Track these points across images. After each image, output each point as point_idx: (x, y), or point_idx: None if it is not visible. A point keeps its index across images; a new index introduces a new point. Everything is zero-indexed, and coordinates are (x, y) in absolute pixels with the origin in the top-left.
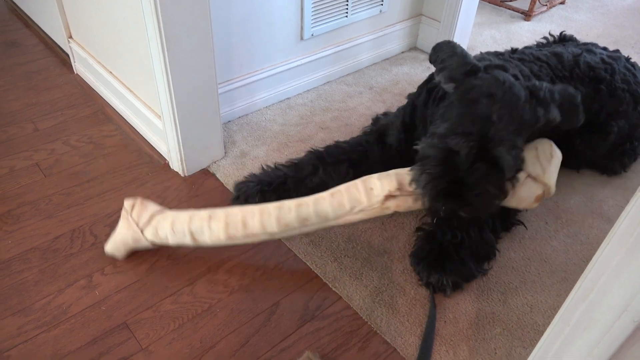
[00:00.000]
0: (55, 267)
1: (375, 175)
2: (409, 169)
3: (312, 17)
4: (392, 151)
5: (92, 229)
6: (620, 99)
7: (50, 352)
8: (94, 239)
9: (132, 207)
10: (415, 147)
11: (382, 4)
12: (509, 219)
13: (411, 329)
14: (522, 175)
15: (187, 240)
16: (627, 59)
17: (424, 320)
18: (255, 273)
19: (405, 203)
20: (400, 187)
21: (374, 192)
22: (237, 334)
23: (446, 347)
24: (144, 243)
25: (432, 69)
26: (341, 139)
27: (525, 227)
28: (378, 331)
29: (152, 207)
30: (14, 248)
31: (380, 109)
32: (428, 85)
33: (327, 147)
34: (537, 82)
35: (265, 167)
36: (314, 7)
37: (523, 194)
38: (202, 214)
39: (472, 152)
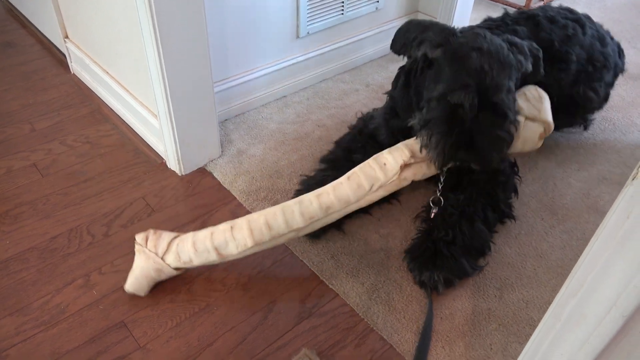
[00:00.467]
0: (53, 266)
1: (384, 151)
2: (414, 138)
3: (308, 15)
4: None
5: (89, 228)
6: (563, 24)
7: (48, 351)
8: (91, 239)
9: (146, 239)
10: (409, 124)
11: (377, 1)
12: (500, 207)
13: (407, 326)
14: (521, 119)
15: (212, 257)
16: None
17: (420, 316)
18: (252, 271)
19: (421, 170)
20: (412, 155)
21: (388, 167)
22: (234, 332)
23: (442, 343)
24: (167, 271)
25: None
26: (338, 137)
27: (515, 219)
28: (374, 328)
29: (167, 234)
30: (12, 248)
31: (377, 106)
32: (405, 69)
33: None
34: (510, 36)
35: (303, 176)
36: (310, 4)
37: (527, 135)
38: (222, 227)
39: (474, 102)
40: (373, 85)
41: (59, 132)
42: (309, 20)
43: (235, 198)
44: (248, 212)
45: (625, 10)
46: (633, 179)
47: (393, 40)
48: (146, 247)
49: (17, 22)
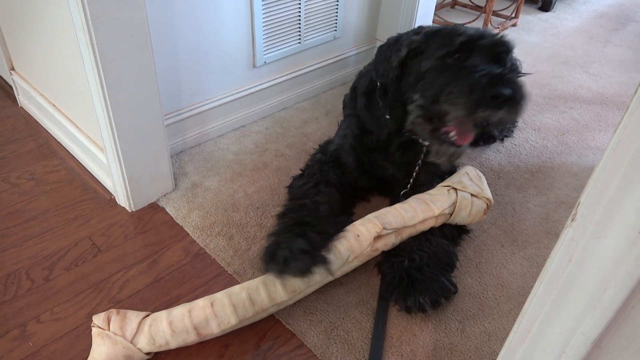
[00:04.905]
0: None
1: (356, 223)
2: (382, 210)
3: (264, 44)
4: (349, 172)
5: (29, 272)
6: None
7: None
8: (31, 284)
9: (108, 321)
10: (410, 123)
11: (335, 30)
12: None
13: None
14: (468, 196)
15: (191, 338)
16: None
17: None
18: None
19: (390, 240)
20: (383, 227)
21: (362, 238)
22: None
23: None
24: (138, 357)
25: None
26: (297, 166)
27: (469, 232)
28: None
29: (133, 313)
30: None
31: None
32: (364, 91)
33: (289, 192)
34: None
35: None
36: (266, 34)
37: (474, 211)
38: (201, 303)
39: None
40: (333, 113)
41: (2, 169)
42: (266, 50)
43: (188, 234)
44: (201, 249)
45: (577, 37)
46: (572, 220)
47: (375, 68)
48: (109, 330)
49: None
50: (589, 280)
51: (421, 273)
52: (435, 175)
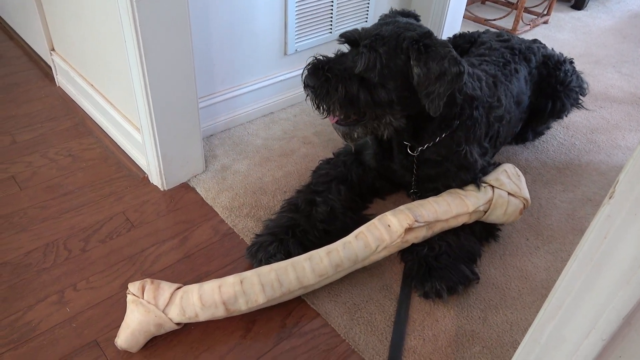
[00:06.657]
0: (26, 282)
1: (388, 213)
2: (415, 202)
3: (296, 33)
4: (369, 171)
5: (66, 243)
6: None
7: None
8: (68, 254)
9: (142, 290)
10: None
11: (366, 21)
12: (482, 225)
13: (390, 347)
14: (504, 195)
15: (219, 312)
16: None
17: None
18: None
19: (421, 233)
20: (415, 219)
21: (392, 229)
22: (211, 352)
23: None
24: (168, 326)
25: None
26: (324, 154)
27: (497, 239)
28: (356, 349)
29: (166, 284)
30: None
31: None
32: None
33: (313, 177)
34: None
35: (267, 220)
36: (298, 22)
37: (510, 210)
38: (231, 280)
39: None
40: None
41: (41, 145)
42: (297, 38)
43: (218, 214)
44: (230, 229)
45: (609, 36)
46: (610, 198)
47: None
48: (143, 299)
49: (4, 34)
50: (623, 256)
51: (438, 261)
52: (438, 175)
